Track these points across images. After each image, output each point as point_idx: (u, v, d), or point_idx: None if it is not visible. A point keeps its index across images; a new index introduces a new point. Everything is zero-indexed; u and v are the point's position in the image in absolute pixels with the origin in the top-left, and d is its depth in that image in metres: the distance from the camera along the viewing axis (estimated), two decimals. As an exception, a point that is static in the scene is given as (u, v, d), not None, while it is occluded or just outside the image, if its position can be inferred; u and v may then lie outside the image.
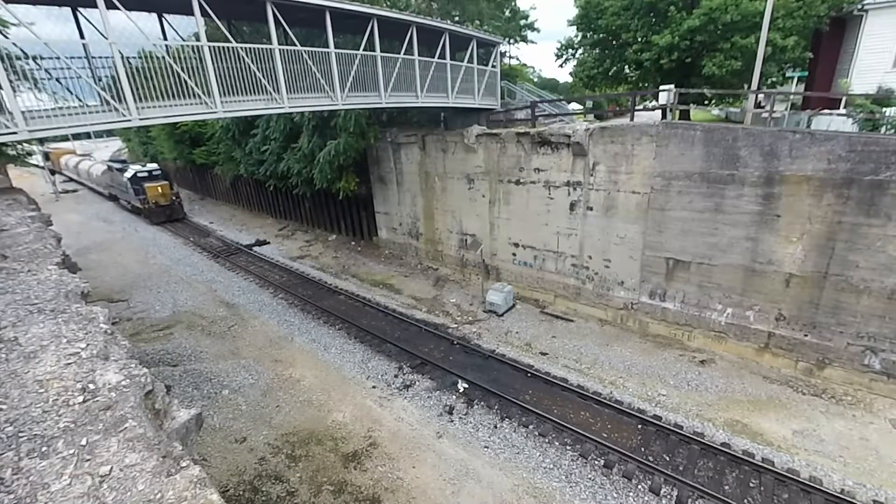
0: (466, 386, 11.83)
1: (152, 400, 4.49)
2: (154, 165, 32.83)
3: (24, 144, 16.79)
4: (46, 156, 50.21)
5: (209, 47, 9.15)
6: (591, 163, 13.79)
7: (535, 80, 41.83)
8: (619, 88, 24.64)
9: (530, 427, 10.47)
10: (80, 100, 8.31)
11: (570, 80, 28.54)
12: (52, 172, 46.72)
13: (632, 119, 13.81)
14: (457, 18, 20.76)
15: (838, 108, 14.25)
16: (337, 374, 12.99)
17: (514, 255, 17.03)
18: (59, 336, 5.17)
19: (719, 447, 9.40)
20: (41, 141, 38.59)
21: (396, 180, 20.39)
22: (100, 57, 8.44)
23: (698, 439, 9.66)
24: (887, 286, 10.18)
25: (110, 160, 39.40)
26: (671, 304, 13.46)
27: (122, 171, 33.03)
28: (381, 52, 12.42)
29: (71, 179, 50.29)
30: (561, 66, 26.57)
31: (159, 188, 30.65)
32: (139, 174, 30.92)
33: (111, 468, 3.39)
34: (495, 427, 10.60)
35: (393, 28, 12.93)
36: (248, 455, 10.12)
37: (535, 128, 15.28)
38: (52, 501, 3.10)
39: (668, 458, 9.34)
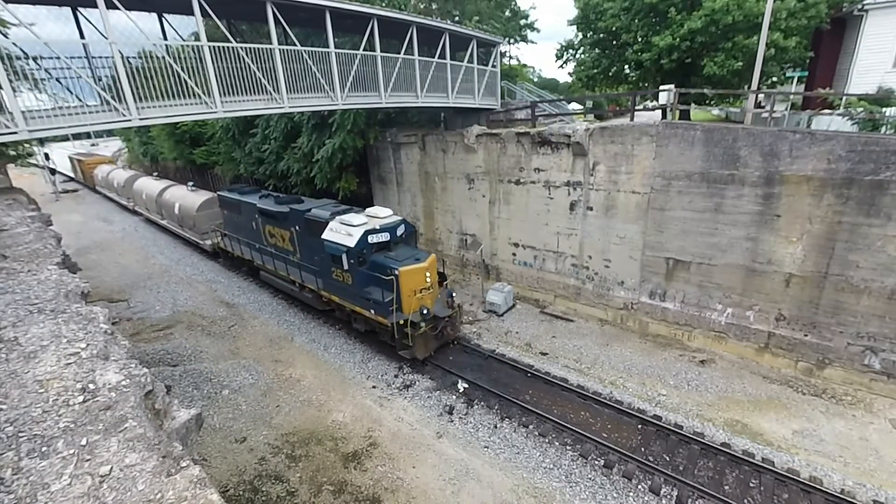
0: (466, 386, 11.83)
1: (152, 400, 4.49)
2: (388, 212, 13.67)
3: (25, 145, 16.80)
4: (47, 156, 49.68)
5: (209, 47, 9.15)
6: (591, 163, 13.78)
7: (535, 80, 41.83)
8: (619, 88, 24.61)
9: (530, 427, 10.47)
10: (80, 100, 8.31)
11: (570, 80, 28.52)
12: (53, 172, 46.63)
13: (632, 119, 13.80)
14: (456, 18, 20.74)
15: (838, 109, 14.25)
16: (337, 374, 12.99)
17: (514, 255, 17.03)
18: (59, 336, 5.17)
19: (719, 447, 9.40)
20: (41, 141, 37.62)
21: (396, 180, 20.39)
22: (100, 57, 8.44)
23: (698, 439, 9.66)
24: (887, 286, 10.18)
25: (234, 187, 20.32)
26: (671, 304, 13.45)
27: (296, 217, 14.48)
28: (381, 52, 12.42)
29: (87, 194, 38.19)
30: (561, 66, 26.51)
31: (426, 273, 12.38)
32: (372, 235, 12.56)
33: (111, 468, 3.39)
34: (495, 427, 10.60)
35: (393, 28, 12.93)
36: (248, 455, 10.12)
37: (535, 128, 15.28)
38: (52, 501, 3.10)
39: (668, 458, 9.33)
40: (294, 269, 15.56)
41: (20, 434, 3.66)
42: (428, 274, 12.40)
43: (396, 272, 11.88)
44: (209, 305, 17.87)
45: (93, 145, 66.21)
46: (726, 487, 8.63)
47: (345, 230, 12.72)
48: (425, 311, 12.11)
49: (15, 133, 7.52)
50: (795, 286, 11.32)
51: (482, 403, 11.30)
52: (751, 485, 8.66)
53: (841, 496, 8.19)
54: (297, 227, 14.66)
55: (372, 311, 12.67)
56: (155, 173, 32.07)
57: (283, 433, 10.76)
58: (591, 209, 14.29)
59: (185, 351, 14.46)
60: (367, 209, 13.84)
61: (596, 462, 9.42)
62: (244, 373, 13.11)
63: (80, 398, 4.12)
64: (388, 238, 12.84)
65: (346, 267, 12.59)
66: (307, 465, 9.83)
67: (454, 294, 13.41)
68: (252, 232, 17.40)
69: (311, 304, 15.59)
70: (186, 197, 24.11)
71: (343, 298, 13.69)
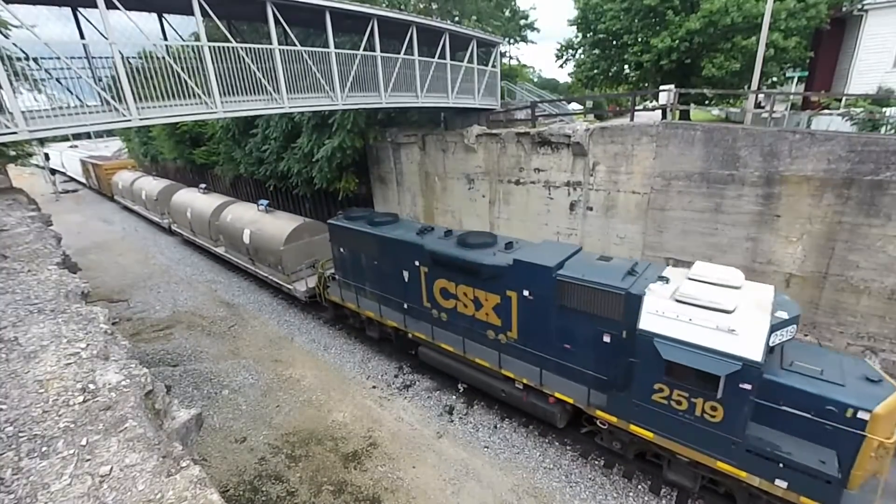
0: (466, 386, 11.81)
1: (152, 400, 4.49)
2: (740, 275, 7.31)
3: (25, 145, 16.82)
4: (47, 156, 49.53)
5: (209, 47, 9.16)
6: (591, 163, 13.78)
7: (535, 80, 41.87)
8: (619, 88, 24.64)
9: (530, 427, 10.46)
10: (80, 100, 8.32)
11: (569, 80, 28.55)
12: (53, 172, 46.64)
13: (632, 119, 13.80)
14: (456, 18, 20.77)
15: (837, 109, 14.27)
16: (337, 374, 12.99)
17: (514, 255, 16.97)
18: (59, 336, 5.18)
19: (719, 447, 9.35)
20: (41, 141, 37.49)
21: (396, 180, 20.39)
22: (100, 57, 8.44)
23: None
24: (887, 286, 10.18)
25: (356, 213, 13.78)
26: (671, 304, 13.43)
27: (531, 274, 8.72)
28: (381, 52, 12.43)
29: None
30: (561, 66, 26.55)
31: None
32: (776, 333, 6.38)
33: (111, 468, 3.39)
34: (495, 427, 10.60)
35: (393, 28, 12.93)
36: (248, 455, 10.13)
37: (535, 128, 15.28)
38: (52, 501, 3.10)
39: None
40: (519, 362, 9.66)
41: (20, 434, 3.66)
42: None
43: (867, 416, 5.94)
44: (209, 305, 17.87)
45: (72, 146, 62.15)
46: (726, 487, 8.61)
47: (705, 320, 6.54)
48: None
49: (15, 133, 7.51)
50: (795, 286, 11.31)
51: (482, 403, 11.29)
52: (751, 485, 8.64)
53: (841, 496, 8.14)
54: (530, 293, 8.96)
55: (783, 484, 6.56)
56: (203, 185, 25.32)
57: (283, 433, 10.76)
58: (591, 209, 14.29)
59: (185, 351, 14.47)
60: (693, 268, 7.62)
61: (596, 462, 9.42)
62: (244, 373, 13.11)
63: (80, 398, 4.13)
64: (793, 334, 6.83)
65: (719, 395, 6.43)
66: (307, 465, 9.84)
67: None
68: (401, 285, 11.64)
69: (542, 417, 9.69)
70: (262, 222, 16.97)
71: (678, 439, 7.39)
